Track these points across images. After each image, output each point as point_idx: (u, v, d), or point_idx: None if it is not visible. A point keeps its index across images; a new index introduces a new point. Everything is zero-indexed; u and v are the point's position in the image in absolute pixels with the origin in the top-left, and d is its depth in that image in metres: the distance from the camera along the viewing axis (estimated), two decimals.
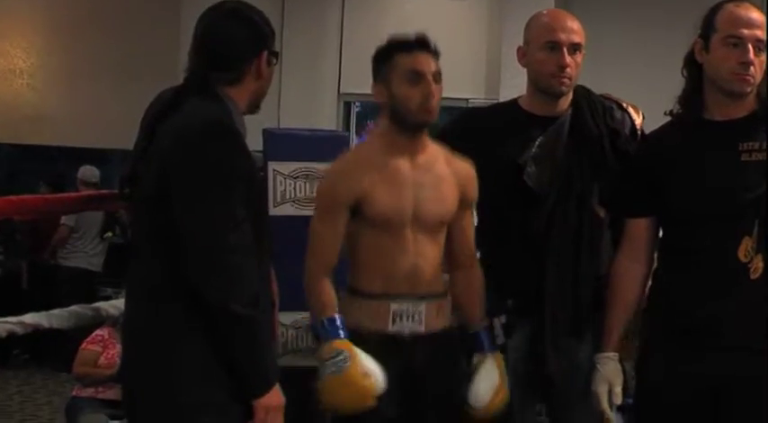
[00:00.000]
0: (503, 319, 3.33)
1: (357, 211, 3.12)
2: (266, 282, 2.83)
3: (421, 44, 3.15)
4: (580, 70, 3.36)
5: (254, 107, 2.88)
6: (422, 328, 3.14)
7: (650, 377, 3.15)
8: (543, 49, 3.33)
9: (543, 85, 3.36)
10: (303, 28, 9.88)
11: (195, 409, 2.68)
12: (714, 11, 3.12)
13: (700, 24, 3.14)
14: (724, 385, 3.01)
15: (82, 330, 5.41)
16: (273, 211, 4.36)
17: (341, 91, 10.16)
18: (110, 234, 9.27)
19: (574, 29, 3.35)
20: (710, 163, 3.04)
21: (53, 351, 8.45)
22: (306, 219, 4.54)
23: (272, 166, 4.53)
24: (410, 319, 3.12)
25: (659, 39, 9.47)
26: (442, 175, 3.19)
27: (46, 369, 8.82)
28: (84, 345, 5.71)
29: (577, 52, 3.34)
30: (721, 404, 3.03)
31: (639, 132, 3.44)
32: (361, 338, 3.06)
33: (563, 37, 3.31)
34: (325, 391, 3.00)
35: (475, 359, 3.23)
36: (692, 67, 3.15)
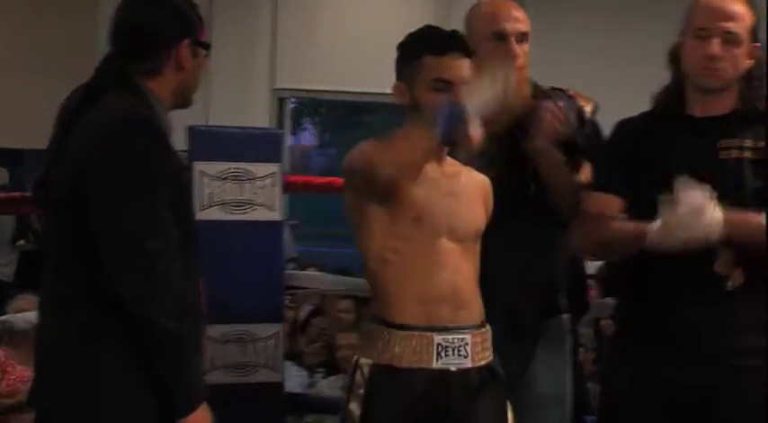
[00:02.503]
0: None
1: (387, 201, 2.97)
2: (195, 291, 2.81)
3: (454, 45, 2.99)
4: (527, 58, 3.41)
5: (180, 102, 2.85)
6: (468, 363, 3.00)
7: (618, 386, 3.20)
8: (489, 40, 3.36)
9: None
10: (233, 18, 9.85)
11: None
12: (694, 3, 3.16)
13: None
14: (699, 395, 3.07)
15: None
16: (199, 214, 4.33)
17: (275, 86, 10.14)
18: (22, 242, 9.18)
19: (519, 17, 3.39)
20: (688, 159, 3.08)
21: None
22: (235, 223, 4.59)
23: (197, 166, 4.50)
24: (455, 352, 2.97)
25: (617, 30, 9.60)
26: (470, 186, 3.12)
27: None
28: None
29: (524, 41, 3.37)
30: (695, 415, 3.08)
31: (590, 119, 3.50)
32: (400, 377, 2.94)
33: (509, 26, 3.36)
34: None
35: None
36: (675, 61, 3.19)
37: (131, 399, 2.67)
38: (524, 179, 3.39)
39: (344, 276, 6.48)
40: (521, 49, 3.37)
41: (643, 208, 3.06)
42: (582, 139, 3.46)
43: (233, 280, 4.41)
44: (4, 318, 4.67)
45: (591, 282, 6.80)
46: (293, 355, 6.12)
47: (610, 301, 4.10)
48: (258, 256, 4.57)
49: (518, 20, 3.39)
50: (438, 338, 2.95)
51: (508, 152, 3.37)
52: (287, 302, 5.75)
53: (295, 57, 9.98)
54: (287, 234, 9.31)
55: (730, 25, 3.07)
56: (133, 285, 2.60)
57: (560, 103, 3.47)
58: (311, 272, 7.03)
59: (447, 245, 3.00)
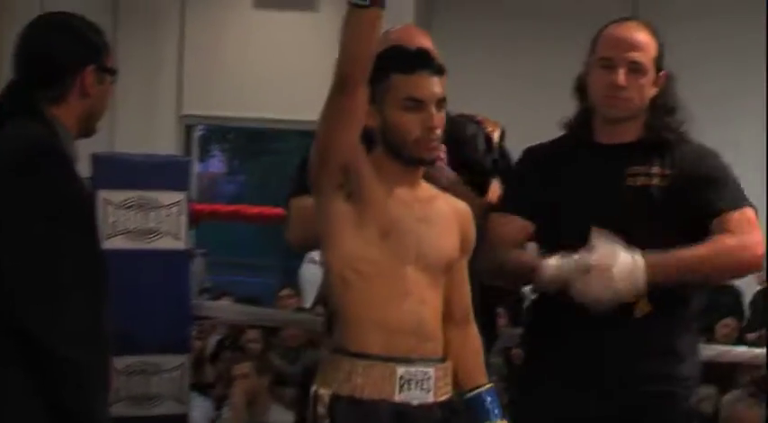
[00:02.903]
0: None
1: (353, 201, 2.85)
2: (103, 321, 2.78)
3: (423, 63, 2.89)
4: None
5: (85, 130, 2.82)
6: (430, 398, 2.89)
7: (525, 416, 3.20)
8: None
9: None
10: (139, 44, 9.79)
11: None
12: (599, 32, 3.20)
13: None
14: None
15: None
16: (105, 243, 4.30)
17: (181, 113, 10.10)
18: None
19: (424, 44, 3.33)
20: (596, 186, 3.11)
21: None
22: (140, 253, 4.55)
23: (101, 194, 4.46)
24: (418, 386, 2.87)
25: (524, 51, 9.71)
26: (445, 213, 2.97)
27: None
28: None
29: None
30: None
31: (497, 144, 3.52)
32: (360, 408, 2.84)
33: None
34: None
35: None
36: (582, 89, 3.22)
37: None
38: None
39: (253, 306, 6.47)
40: None
41: (549, 235, 3.08)
42: (489, 163, 3.49)
43: (137, 310, 4.37)
44: None
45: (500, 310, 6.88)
46: (200, 387, 6.08)
47: (519, 330, 4.14)
48: (163, 286, 4.53)
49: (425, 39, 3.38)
50: (401, 370, 2.85)
51: None
52: (194, 333, 5.72)
53: (202, 83, 9.95)
54: (200, 264, 9.29)
55: (635, 55, 3.11)
56: (39, 314, 2.57)
57: (469, 130, 3.50)
58: (219, 302, 7.00)
59: (414, 273, 2.88)
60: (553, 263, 3.00)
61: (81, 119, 2.78)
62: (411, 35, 3.44)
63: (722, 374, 6.65)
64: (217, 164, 21.12)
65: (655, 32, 3.18)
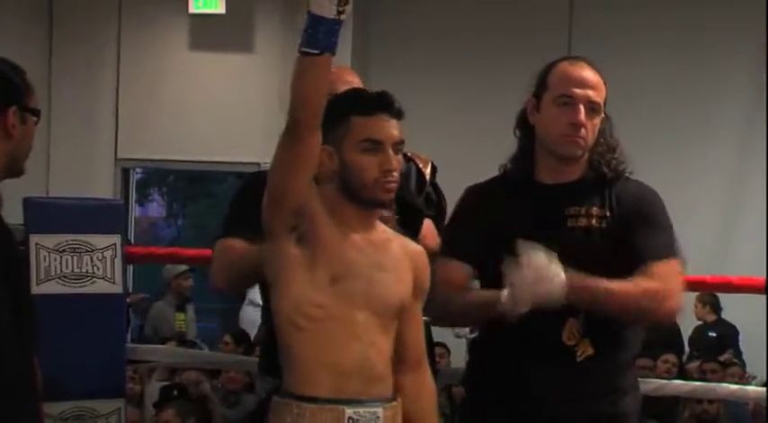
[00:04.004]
0: None
1: (304, 245, 2.84)
2: (29, 368, 2.74)
3: (383, 105, 2.91)
4: None
5: (11, 172, 2.79)
6: None
7: None
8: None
9: None
10: (73, 87, 9.75)
11: None
12: (548, 69, 3.17)
13: (533, 82, 3.18)
14: None
15: None
16: (37, 288, 4.24)
17: (118, 156, 10.05)
18: None
19: (354, 82, 3.38)
20: (536, 226, 3.09)
21: None
22: (74, 297, 4.50)
23: (34, 239, 4.41)
24: None
25: (459, 90, 9.77)
26: (399, 257, 2.97)
27: None
28: None
29: None
30: None
31: (429, 181, 3.52)
32: None
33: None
34: None
35: None
36: (524, 127, 3.20)
37: None
38: None
39: (191, 349, 6.42)
40: None
41: (492, 274, 3.07)
42: (422, 202, 3.48)
43: (72, 355, 4.32)
44: None
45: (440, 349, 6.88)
46: None
47: (461, 367, 4.13)
48: (99, 330, 4.48)
49: (352, 84, 3.34)
50: (349, 411, 2.84)
51: None
52: (129, 376, 5.66)
53: (139, 126, 9.91)
54: (191, 311, 9.25)
55: (593, 94, 3.10)
56: None
57: (404, 169, 3.49)
58: (156, 345, 6.93)
59: (364, 318, 2.88)
60: (507, 288, 2.98)
61: (5, 161, 2.74)
62: (340, 73, 3.41)
63: (663, 409, 6.68)
64: (156, 208, 21.03)
65: (600, 73, 3.17)
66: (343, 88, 3.35)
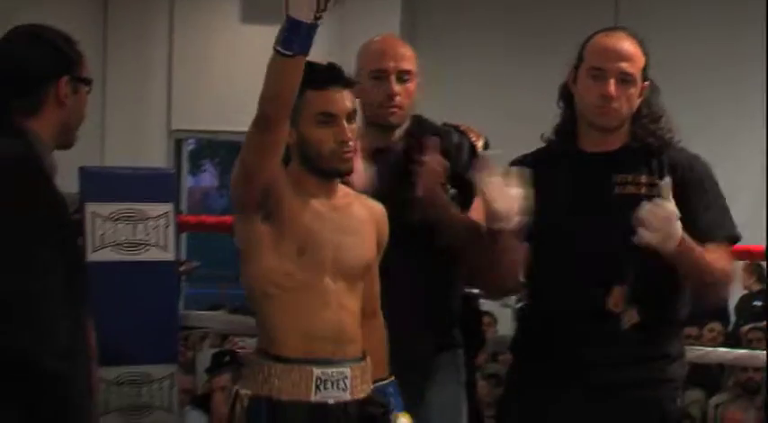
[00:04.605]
0: None
1: (272, 221, 2.92)
2: (82, 333, 2.76)
3: (334, 78, 2.97)
4: (413, 98, 3.40)
5: (64, 141, 2.80)
6: (347, 396, 2.97)
7: (510, 420, 3.23)
8: (371, 78, 3.36)
9: (373, 116, 3.40)
10: (127, 60, 9.80)
11: None
12: (587, 40, 3.17)
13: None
14: None
15: None
16: (92, 256, 4.29)
17: (171, 127, 10.09)
18: None
19: (406, 56, 3.37)
20: (585, 195, 3.10)
21: None
22: (129, 264, 4.53)
23: (89, 207, 4.45)
24: (335, 385, 2.96)
25: (505, 62, 9.72)
26: (361, 218, 3.06)
27: None
28: None
29: (409, 80, 3.37)
30: None
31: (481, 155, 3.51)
32: (278, 409, 2.91)
33: (391, 65, 3.34)
34: None
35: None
36: (567, 97, 3.20)
37: None
38: (407, 212, 3.37)
39: (240, 315, 6.45)
40: (402, 88, 3.36)
41: (541, 244, 3.07)
42: (473, 175, 3.47)
43: (127, 321, 4.36)
44: None
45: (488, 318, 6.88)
46: (194, 399, 6.08)
47: (507, 335, 4.13)
48: (152, 297, 4.52)
49: (402, 58, 3.37)
50: (317, 372, 2.94)
51: (398, 187, 3.37)
52: (182, 343, 5.70)
53: (190, 98, 9.94)
54: None
55: (625, 65, 3.09)
56: (18, 329, 2.54)
57: (454, 139, 3.48)
58: (207, 312, 6.98)
59: (332, 283, 2.97)
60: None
61: (58, 130, 2.75)
62: (397, 41, 3.44)
63: (708, 378, 6.66)
64: (208, 178, 21.14)
65: (641, 43, 3.16)
66: (390, 63, 3.34)
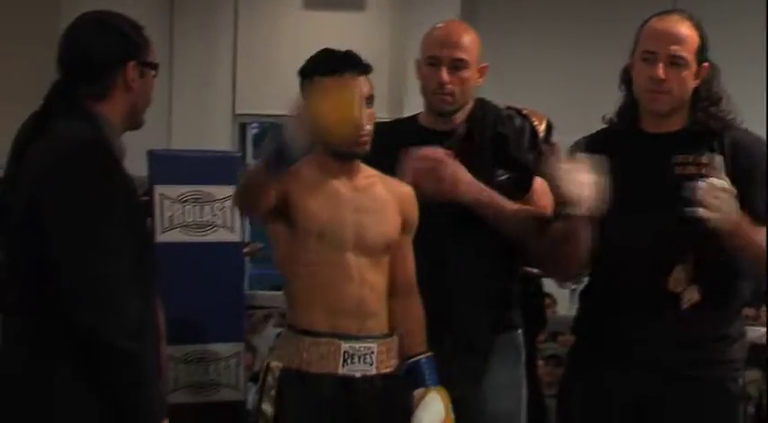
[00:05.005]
0: None
1: (289, 220, 3.01)
2: (152, 312, 2.79)
3: (346, 64, 3.04)
4: (470, 85, 3.38)
5: (131, 124, 2.83)
6: (373, 370, 3.05)
7: (574, 400, 3.21)
8: (426, 64, 3.36)
9: (427, 102, 3.42)
10: (193, 45, 9.83)
11: None
12: (643, 24, 3.15)
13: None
14: (648, 408, 3.08)
15: None
16: (161, 237, 4.33)
17: (236, 111, 10.13)
18: None
19: (460, 44, 3.35)
20: (646, 175, 3.08)
21: None
22: (196, 245, 4.57)
23: (158, 189, 4.50)
24: (361, 360, 3.04)
25: (566, 48, 9.65)
26: (383, 198, 3.12)
27: None
28: None
29: (462, 68, 3.34)
30: None
31: (543, 138, 3.49)
32: (307, 380, 3.00)
33: (444, 53, 3.33)
34: None
35: (416, 394, 3.14)
36: (627, 80, 3.18)
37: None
38: None
39: None
40: (455, 77, 3.33)
41: (602, 224, 3.05)
42: (532, 159, 3.45)
43: (194, 300, 4.40)
44: None
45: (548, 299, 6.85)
46: (257, 376, 6.09)
47: (566, 315, 4.12)
48: (219, 277, 4.56)
49: (457, 46, 3.34)
50: (345, 346, 3.02)
51: None
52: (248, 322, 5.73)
53: (255, 83, 9.97)
54: None
55: (676, 48, 3.06)
56: (89, 310, 2.57)
57: (516, 123, 3.47)
58: (273, 291, 7.00)
59: (354, 259, 3.04)
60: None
61: (126, 113, 2.78)
62: (454, 29, 3.43)
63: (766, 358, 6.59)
64: None
65: (698, 25, 3.12)
66: (445, 51, 3.32)
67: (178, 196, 4.50)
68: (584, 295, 3.33)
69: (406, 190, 3.17)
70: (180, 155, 4.87)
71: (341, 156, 3.04)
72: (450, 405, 3.15)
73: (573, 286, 5.99)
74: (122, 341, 2.58)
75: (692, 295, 3.06)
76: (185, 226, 4.51)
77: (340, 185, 3.06)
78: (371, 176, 3.13)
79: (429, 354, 3.18)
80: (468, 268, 3.35)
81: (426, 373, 3.15)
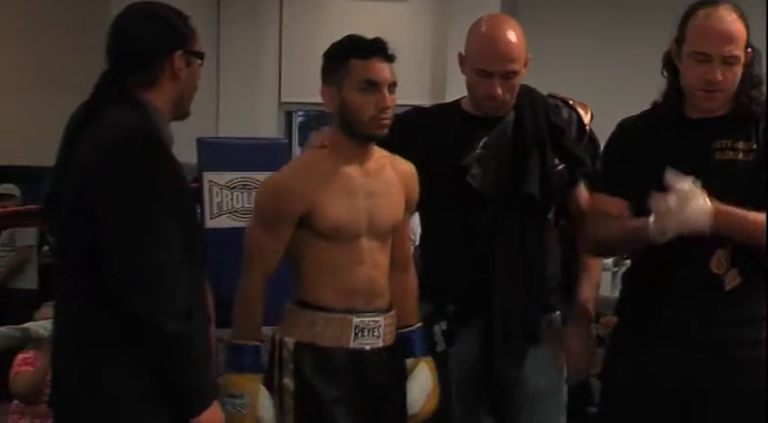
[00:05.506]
0: (443, 325, 3.35)
1: (306, 223, 3.09)
2: (200, 295, 2.80)
3: (379, 50, 3.10)
4: (518, 85, 3.36)
5: (179, 112, 2.84)
6: (380, 343, 3.16)
7: (618, 380, 3.20)
8: (476, 74, 3.33)
9: (476, 104, 3.39)
10: (240, 34, 9.85)
11: None
12: (687, 17, 3.09)
13: (678, 24, 3.12)
14: (693, 388, 3.08)
15: (11, 354, 5.33)
16: (210, 223, 4.34)
17: (281, 100, 10.15)
18: (47, 247, 9.15)
19: (512, 56, 3.30)
20: (684, 159, 3.05)
21: None
22: (244, 231, 4.58)
23: (207, 176, 4.51)
24: (370, 333, 3.13)
25: (606, 38, 9.58)
26: (391, 180, 3.19)
27: None
28: (15, 370, 5.64)
29: (514, 77, 3.32)
30: (689, 407, 3.09)
31: (588, 130, 3.47)
32: (321, 353, 3.09)
33: (496, 67, 3.29)
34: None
35: (408, 364, 3.25)
36: (671, 67, 3.15)
37: (145, 403, 2.66)
38: (519, 182, 3.37)
39: None
40: (506, 85, 3.31)
41: (644, 206, 3.04)
42: (582, 150, 3.44)
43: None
44: (24, 325, 4.65)
45: None
46: None
47: (605, 297, 4.11)
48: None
49: (507, 58, 3.29)
50: (356, 321, 3.11)
51: (508, 156, 3.36)
52: None
53: (301, 72, 9.97)
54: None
55: (730, 49, 3.02)
56: (138, 294, 2.59)
57: (563, 114, 3.46)
58: None
59: (367, 243, 3.13)
60: (653, 220, 2.98)
61: (173, 102, 2.80)
62: (505, 39, 3.33)
63: None
64: None
65: (742, 14, 3.08)
66: (497, 65, 3.29)
67: (226, 183, 4.51)
68: (628, 277, 3.32)
69: (409, 168, 3.24)
70: (228, 142, 4.89)
71: (361, 137, 3.10)
72: (435, 375, 3.27)
73: (612, 267, 5.97)
74: (170, 323, 2.60)
75: (733, 277, 3.06)
76: (234, 212, 4.53)
77: (352, 171, 3.12)
78: (382, 158, 3.19)
79: (419, 324, 3.29)
80: (518, 253, 3.34)
81: (416, 343, 3.28)
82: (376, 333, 3.14)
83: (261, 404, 3.06)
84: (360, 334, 3.12)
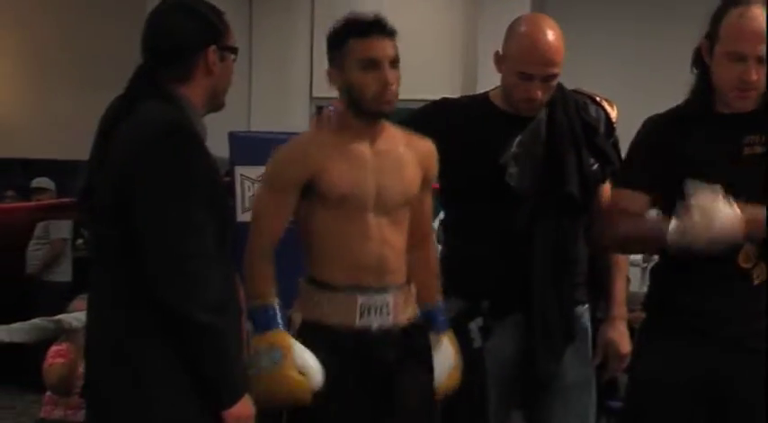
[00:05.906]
0: (479, 321, 3.33)
1: (311, 189, 3.06)
2: (233, 288, 2.80)
3: (376, 27, 3.07)
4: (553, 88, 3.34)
5: (213, 106, 2.85)
6: (389, 321, 3.09)
7: (644, 373, 3.18)
8: (516, 76, 3.29)
9: (513, 105, 3.36)
10: (272, 29, 9.87)
11: None
12: (720, 14, 3.04)
13: (708, 19, 3.08)
14: (720, 381, 3.05)
15: (45, 345, 5.36)
16: (242, 216, 4.34)
17: (313, 94, 10.15)
18: (81, 240, 9.20)
19: (554, 61, 3.28)
20: (714, 155, 3.03)
21: (16, 369, 8.27)
22: None
23: (239, 170, 4.52)
24: (378, 312, 3.07)
25: (637, 34, 9.53)
26: (404, 158, 3.14)
27: (11, 388, 8.62)
28: (49, 361, 5.66)
29: (554, 79, 3.31)
30: (715, 400, 3.07)
31: (615, 126, 3.45)
32: (326, 333, 3.04)
33: (538, 71, 3.26)
34: (257, 385, 2.89)
35: (432, 339, 3.20)
36: (701, 64, 3.11)
37: (179, 395, 2.66)
38: (557, 181, 3.35)
39: None
40: (545, 87, 3.29)
41: (672, 203, 3.01)
42: (611, 150, 3.42)
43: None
44: (57, 317, 4.66)
45: None
46: None
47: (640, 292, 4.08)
48: (298, 254, 4.56)
49: (548, 62, 3.26)
50: (361, 299, 3.05)
51: (541, 153, 3.34)
52: None
53: None
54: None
55: (763, 47, 2.98)
56: (171, 286, 2.60)
57: (591, 111, 3.43)
58: None
59: (374, 219, 3.07)
60: (674, 224, 2.95)
61: (207, 96, 2.81)
62: (547, 43, 3.30)
63: None
64: None
65: None
66: (538, 68, 3.26)
67: (258, 176, 4.50)
68: (657, 272, 3.30)
69: (428, 145, 3.20)
70: (260, 136, 4.88)
71: (367, 114, 3.07)
72: (458, 350, 3.22)
73: (642, 262, 5.93)
74: (204, 315, 2.60)
75: (761, 271, 3.04)
76: None
77: (362, 148, 3.09)
78: (394, 137, 3.15)
79: (440, 300, 3.24)
80: (555, 251, 3.34)
81: (440, 319, 3.22)
82: (384, 311, 3.07)
83: (296, 353, 2.98)
84: (366, 313, 3.06)
